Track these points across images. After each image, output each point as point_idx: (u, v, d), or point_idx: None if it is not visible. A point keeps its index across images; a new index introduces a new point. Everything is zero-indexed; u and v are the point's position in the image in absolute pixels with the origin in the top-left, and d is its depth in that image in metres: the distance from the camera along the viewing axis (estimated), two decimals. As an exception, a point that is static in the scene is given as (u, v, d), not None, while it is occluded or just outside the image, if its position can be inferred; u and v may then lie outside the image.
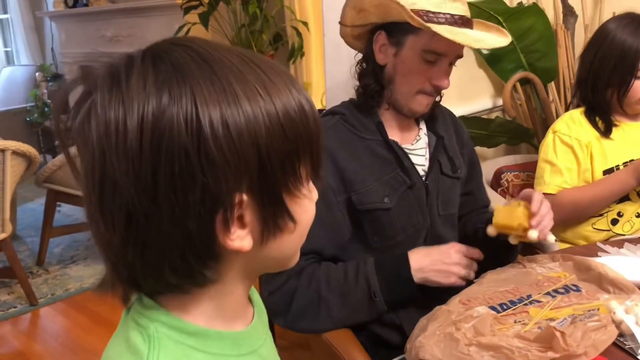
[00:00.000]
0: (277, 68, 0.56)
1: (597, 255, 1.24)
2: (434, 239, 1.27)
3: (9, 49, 5.71)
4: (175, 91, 0.49)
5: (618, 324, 0.93)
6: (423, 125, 1.32)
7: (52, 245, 3.22)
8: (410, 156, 1.25)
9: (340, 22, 1.29)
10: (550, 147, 1.58)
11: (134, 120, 0.48)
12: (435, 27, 1.09)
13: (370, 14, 1.20)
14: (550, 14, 2.29)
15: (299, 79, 3.15)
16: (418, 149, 1.28)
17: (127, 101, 0.49)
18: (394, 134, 1.26)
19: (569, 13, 2.29)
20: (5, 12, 5.58)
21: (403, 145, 1.25)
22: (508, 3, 2.27)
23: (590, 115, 1.59)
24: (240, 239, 0.53)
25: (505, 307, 1.04)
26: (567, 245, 1.56)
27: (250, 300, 0.66)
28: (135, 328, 0.55)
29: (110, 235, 0.51)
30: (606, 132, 1.56)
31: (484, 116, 2.21)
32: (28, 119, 4.87)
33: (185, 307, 0.56)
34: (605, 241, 1.44)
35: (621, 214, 1.55)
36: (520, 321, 0.98)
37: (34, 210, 3.93)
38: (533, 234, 1.08)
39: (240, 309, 0.62)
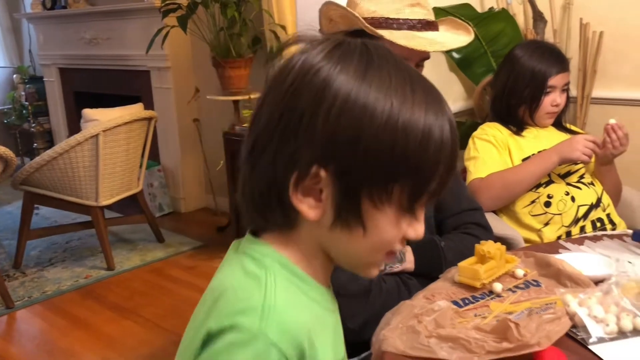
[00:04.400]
0: (433, 93, 0.60)
1: (558, 252, 1.29)
2: (410, 241, 1.30)
3: (-14, 50, 5.66)
4: (340, 64, 0.57)
5: (572, 316, 0.98)
6: None
7: (30, 248, 3.21)
8: None
9: (319, 31, 1.33)
10: (471, 147, 1.76)
11: (297, 66, 0.58)
12: (391, 34, 1.14)
13: (337, 24, 1.26)
14: (520, 19, 2.35)
15: (277, 81, 3.17)
16: None
17: (314, 61, 0.59)
18: None
19: (538, 18, 2.35)
20: (-17, 14, 5.53)
21: None
22: (479, 8, 2.33)
23: (502, 123, 1.79)
24: (308, 206, 0.59)
25: (467, 301, 1.08)
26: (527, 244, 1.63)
27: None
28: (250, 260, 0.62)
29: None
30: (518, 132, 1.76)
31: (456, 119, 2.26)
32: (6, 121, 4.84)
33: (289, 251, 0.63)
34: (567, 238, 1.50)
35: (551, 195, 1.67)
36: (480, 315, 1.02)
37: (11, 213, 3.91)
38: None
39: (325, 274, 0.67)
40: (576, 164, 1.70)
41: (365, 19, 1.18)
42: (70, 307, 2.64)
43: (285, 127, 0.58)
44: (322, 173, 0.57)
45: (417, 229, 0.63)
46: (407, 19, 1.18)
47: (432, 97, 0.59)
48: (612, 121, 1.64)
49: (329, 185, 0.58)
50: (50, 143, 4.79)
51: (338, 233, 0.60)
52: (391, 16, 1.17)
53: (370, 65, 0.58)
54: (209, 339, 0.57)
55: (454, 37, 1.25)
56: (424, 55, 1.23)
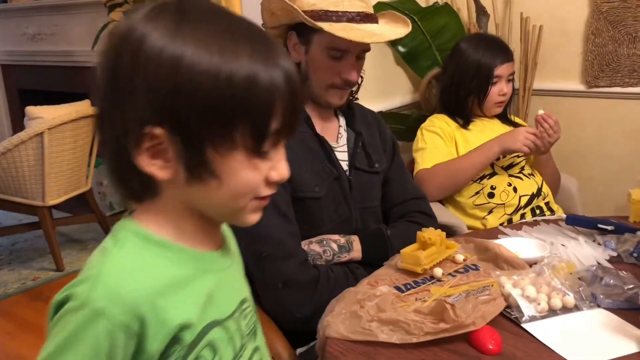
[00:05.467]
0: (261, 43, 0.60)
1: (497, 238, 1.34)
2: (359, 230, 1.34)
3: None
4: (152, 22, 0.58)
5: (506, 297, 1.02)
6: (343, 122, 1.39)
7: (-27, 251, 3.11)
8: (335, 152, 1.33)
9: (262, 25, 1.35)
10: (419, 139, 1.80)
11: (118, 30, 0.60)
12: (330, 26, 1.17)
13: (279, 17, 1.28)
14: (463, 14, 2.41)
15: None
16: (341, 146, 1.36)
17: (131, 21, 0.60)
18: (318, 129, 1.32)
19: (481, 12, 2.42)
20: None
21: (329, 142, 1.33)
22: (423, 3, 2.38)
23: (450, 115, 1.83)
24: (158, 167, 0.60)
25: (409, 286, 1.11)
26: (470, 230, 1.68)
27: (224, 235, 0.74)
28: (109, 237, 0.64)
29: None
30: (465, 125, 1.80)
31: (403, 111, 2.31)
32: (-55, 121, 4.64)
33: (152, 221, 0.64)
34: (506, 225, 1.56)
35: (494, 187, 1.73)
36: (420, 298, 1.05)
37: (-47, 215, 3.76)
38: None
39: (203, 235, 0.68)
40: (518, 156, 1.76)
41: (305, 11, 1.20)
42: (18, 310, 2.57)
43: (114, 91, 0.59)
44: (158, 131, 0.58)
45: (279, 171, 0.64)
46: (346, 11, 1.20)
47: (259, 47, 0.59)
48: (541, 112, 1.71)
49: (171, 143, 0.59)
50: (-6, 143, 4.62)
51: (196, 188, 0.61)
52: (330, 9, 1.20)
53: (183, 21, 0.58)
54: (57, 308, 0.59)
55: (392, 29, 1.29)
56: (364, 47, 1.26)
